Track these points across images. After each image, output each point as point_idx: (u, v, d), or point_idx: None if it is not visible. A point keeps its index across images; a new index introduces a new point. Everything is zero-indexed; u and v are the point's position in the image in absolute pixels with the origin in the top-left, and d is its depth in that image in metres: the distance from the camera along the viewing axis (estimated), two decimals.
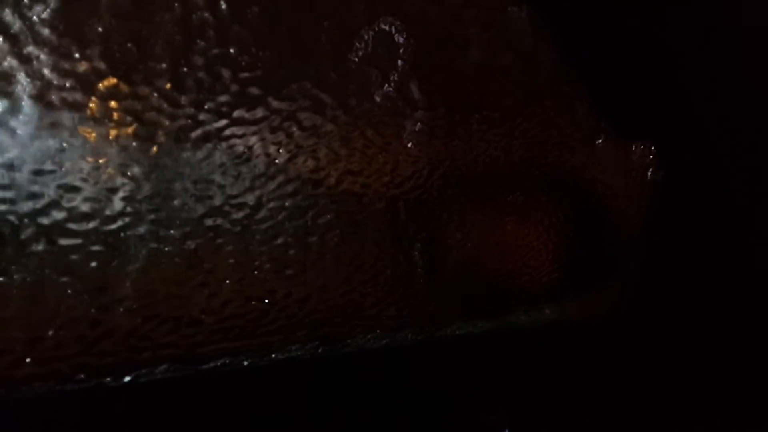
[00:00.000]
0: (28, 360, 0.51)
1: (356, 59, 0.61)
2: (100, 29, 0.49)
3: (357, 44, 0.61)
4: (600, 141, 0.82)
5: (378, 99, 0.64)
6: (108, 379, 0.55)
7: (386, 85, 0.64)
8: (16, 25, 0.47)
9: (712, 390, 0.88)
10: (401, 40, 0.63)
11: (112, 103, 0.50)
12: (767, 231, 0.88)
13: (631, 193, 0.88)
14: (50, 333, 0.51)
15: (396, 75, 0.64)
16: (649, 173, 0.89)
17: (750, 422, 0.84)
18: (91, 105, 0.50)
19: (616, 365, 0.94)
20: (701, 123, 0.93)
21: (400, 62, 0.64)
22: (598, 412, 0.92)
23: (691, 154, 0.92)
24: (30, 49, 0.47)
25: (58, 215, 0.50)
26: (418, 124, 0.67)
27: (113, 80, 0.50)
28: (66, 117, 0.49)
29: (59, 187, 0.50)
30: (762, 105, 0.87)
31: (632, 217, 0.90)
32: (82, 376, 0.54)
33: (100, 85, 0.50)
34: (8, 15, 0.46)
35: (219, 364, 0.59)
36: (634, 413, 0.91)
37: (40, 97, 0.48)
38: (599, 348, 0.94)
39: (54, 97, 0.48)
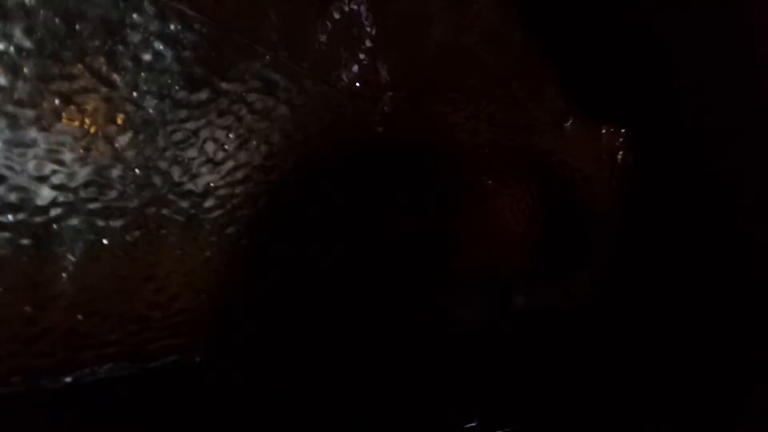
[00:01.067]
0: None
1: (321, 39, 0.58)
2: (26, 3, 0.45)
3: (319, 23, 0.58)
4: (569, 123, 0.81)
5: (339, 80, 0.61)
6: (46, 380, 0.52)
7: (353, 66, 0.61)
8: None
9: (689, 375, 0.88)
10: (366, 20, 0.61)
11: (40, 84, 0.46)
12: (740, 212, 0.88)
13: (601, 176, 0.87)
14: None
15: (361, 55, 0.61)
16: (620, 156, 0.88)
17: (730, 410, 0.84)
18: (18, 85, 0.46)
19: (587, 351, 0.94)
20: (672, 105, 0.92)
21: (368, 42, 0.61)
22: (571, 399, 0.91)
23: (662, 137, 0.91)
24: None
25: None
26: (381, 106, 0.64)
27: (42, 59, 0.46)
28: None
29: None
30: (734, 84, 0.86)
31: (603, 201, 0.89)
32: (18, 378, 0.50)
33: (27, 63, 0.46)
34: None
35: (168, 361, 0.56)
36: (607, 400, 0.91)
37: None
38: (570, 333, 0.93)
39: None
